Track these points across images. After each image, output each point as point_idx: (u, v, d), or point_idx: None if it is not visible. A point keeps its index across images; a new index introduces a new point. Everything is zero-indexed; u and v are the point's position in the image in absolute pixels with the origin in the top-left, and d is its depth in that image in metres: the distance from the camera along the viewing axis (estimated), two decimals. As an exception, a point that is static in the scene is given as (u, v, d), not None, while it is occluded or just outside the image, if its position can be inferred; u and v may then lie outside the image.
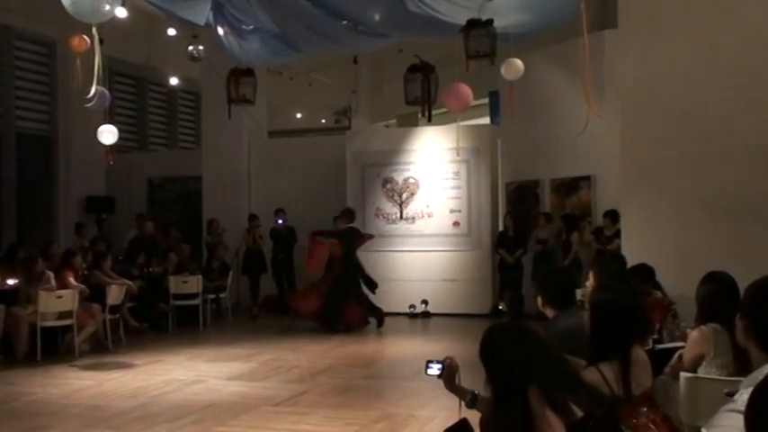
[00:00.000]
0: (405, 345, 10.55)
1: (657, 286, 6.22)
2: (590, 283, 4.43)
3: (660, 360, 4.49)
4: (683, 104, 7.21)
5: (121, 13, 8.93)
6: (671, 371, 4.43)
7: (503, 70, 8.92)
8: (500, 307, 12.75)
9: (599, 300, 3.51)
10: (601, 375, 3.24)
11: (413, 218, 13.30)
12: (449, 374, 3.44)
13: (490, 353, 2.94)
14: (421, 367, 9.09)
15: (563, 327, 3.88)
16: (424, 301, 12.91)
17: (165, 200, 15.87)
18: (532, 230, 12.48)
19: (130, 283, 11.01)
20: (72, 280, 9.93)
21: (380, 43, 10.63)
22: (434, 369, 3.47)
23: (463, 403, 3.52)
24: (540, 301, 4.20)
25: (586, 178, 12.12)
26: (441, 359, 3.51)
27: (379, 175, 13.50)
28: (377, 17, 8.86)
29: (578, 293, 4.92)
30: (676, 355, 4.54)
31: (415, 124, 14.21)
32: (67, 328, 9.72)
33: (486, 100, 14.75)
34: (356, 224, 13.18)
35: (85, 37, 8.59)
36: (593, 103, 6.27)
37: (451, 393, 3.54)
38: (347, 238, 11.89)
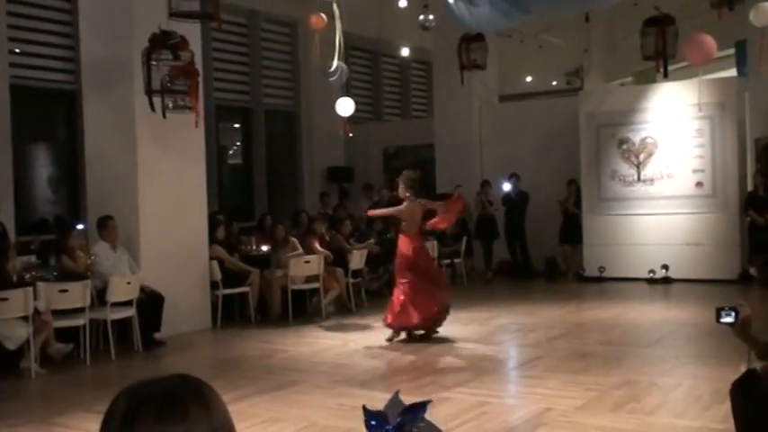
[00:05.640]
0: (644, 311, 10.16)
1: None
2: None
3: None
4: None
5: (356, -12, 9.28)
6: None
7: (751, 16, 8.30)
8: (750, 272, 11.95)
9: None
10: None
11: (651, 179, 12.70)
12: (743, 321, 3.25)
13: None
14: (663, 334, 8.71)
15: None
16: (665, 266, 12.33)
17: (400, 168, 16.27)
18: (787, 189, 11.52)
19: (372, 246, 11.52)
20: (317, 245, 10.55)
21: (614, -2, 10.21)
22: (731, 316, 3.26)
23: (752, 354, 3.31)
24: None
25: None
26: (731, 305, 3.31)
27: (614, 135, 13.00)
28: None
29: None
30: None
31: (653, 81, 13.51)
32: (315, 291, 10.40)
33: (732, 50, 13.73)
34: (592, 185, 12.90)
35: (323, 15, 9.02)
36: None
37: (742, 341, 3.32)
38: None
